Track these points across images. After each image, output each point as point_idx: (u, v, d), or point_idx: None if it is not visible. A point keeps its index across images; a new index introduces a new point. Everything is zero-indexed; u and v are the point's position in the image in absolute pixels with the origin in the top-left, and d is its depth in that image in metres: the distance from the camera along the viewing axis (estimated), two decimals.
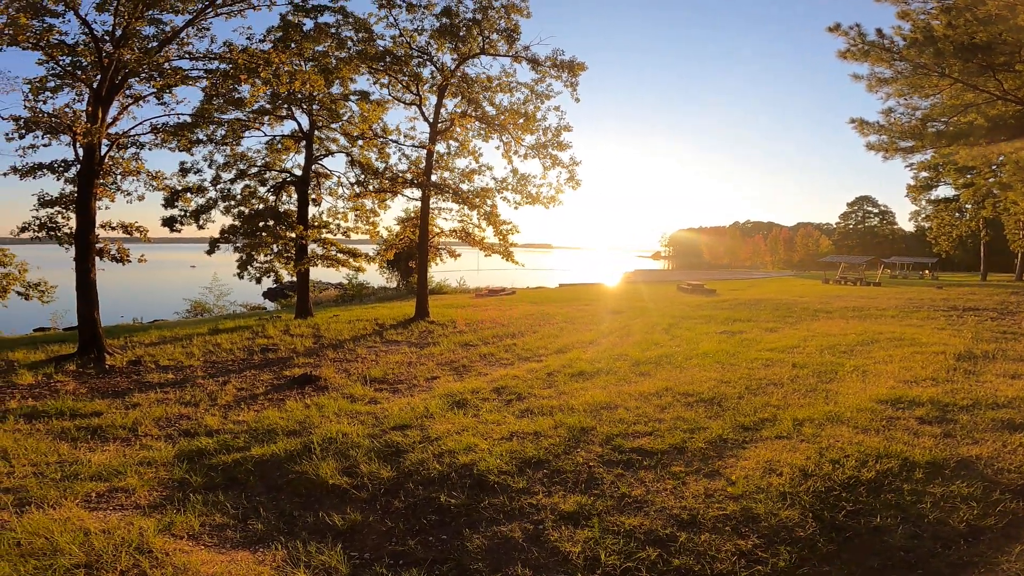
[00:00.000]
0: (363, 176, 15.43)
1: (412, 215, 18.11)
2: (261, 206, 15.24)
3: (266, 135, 15.25)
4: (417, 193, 15.12)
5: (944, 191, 39.73)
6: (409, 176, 14.93)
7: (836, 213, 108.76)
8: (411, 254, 17.04)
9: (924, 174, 38.07)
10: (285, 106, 14.69)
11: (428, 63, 14.96)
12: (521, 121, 14.98)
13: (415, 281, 17.32)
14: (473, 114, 15.25)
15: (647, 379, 6.87)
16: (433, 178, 15.24)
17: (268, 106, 14.26)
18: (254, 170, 15.26)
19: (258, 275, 14.89)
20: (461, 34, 14.28)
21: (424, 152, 15.12)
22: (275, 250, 14.87)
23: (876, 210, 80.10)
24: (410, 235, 16.21)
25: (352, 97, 15.25)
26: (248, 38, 11.90)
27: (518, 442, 4.71)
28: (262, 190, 15.47)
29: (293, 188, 15.60)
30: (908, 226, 63.69)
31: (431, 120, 15.00)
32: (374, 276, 32.06)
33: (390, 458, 4.55)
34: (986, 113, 16.56)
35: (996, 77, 15.07)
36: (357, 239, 17.37)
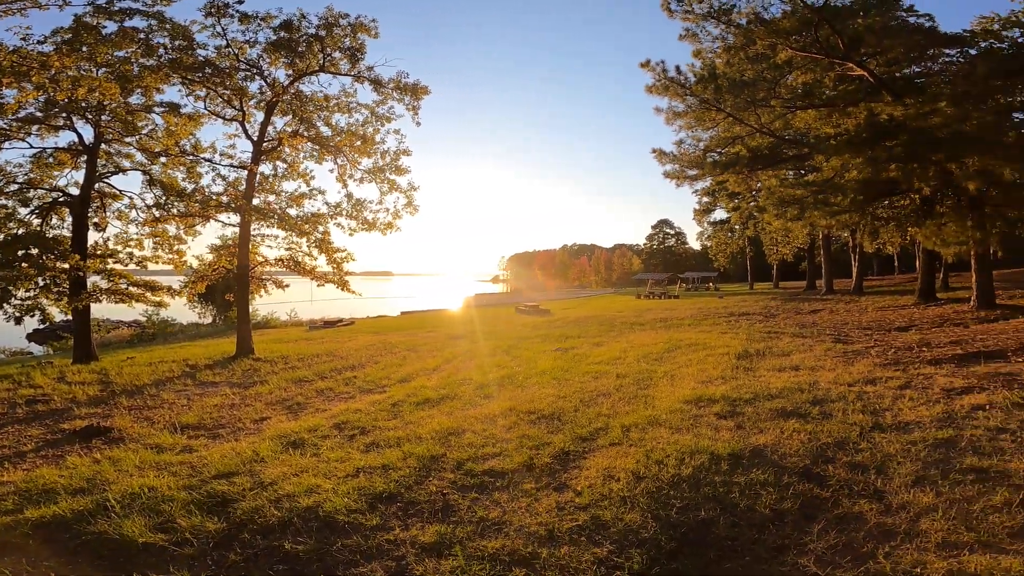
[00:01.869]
0: (165, 198, 13.40)
1: (230, 242, 16.26)
2: (21, 231, 12.35)
3: (33, 147, 12.51)
4: (236, 218, 13.59)
5: (719, 214, 48.10)
6: (225, 199, 13.34)
7: (643, 235, 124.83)
8: (229, 286, 15.16)
9: (705, 199, 45.81)
10: (63, 115, 12.22)
11: (258, 77, 13.71)
12: (359, 143, 14.47)
13: (236, 316, 15.45)
14: (306, 134, 14.32)
15: (491, 401, 7.02)
16: (256, 202, 13.87)
17: (39, 114, 11.75)
18: (13, 187, 12.36)
19: (18, 314, 11.93)
20: (300, 50, 13.36)
21: (245, 173, 13.73)
22: (40, 284, 12.08)
23: (673, 232, 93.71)
24: (226, 264, 14.46)
25: (157, 109, 13.30)
26: (23, 38, 9.69)
27: (366, 478, 4.44)
28: (23, 211, 12.58)
29: (68, 210, 12.94)
30: (696, 245, 75.60)
31: (255, 138, 13.72)
32: (183, 312, 27.97)
33: (215, 509, 3.98)
34: (748, 144, 20.31)
35: (756, 111, 18.72)
36: (158, 270, 15.00)
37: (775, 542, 3.08)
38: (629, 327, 15.75)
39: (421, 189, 15.21)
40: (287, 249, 14.31)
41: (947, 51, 18.09)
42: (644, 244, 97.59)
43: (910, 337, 10.42)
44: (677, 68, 18.01)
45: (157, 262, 14.45)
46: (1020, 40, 24.93)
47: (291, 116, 14.27)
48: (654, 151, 20.08)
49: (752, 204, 35.65)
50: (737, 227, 44.79)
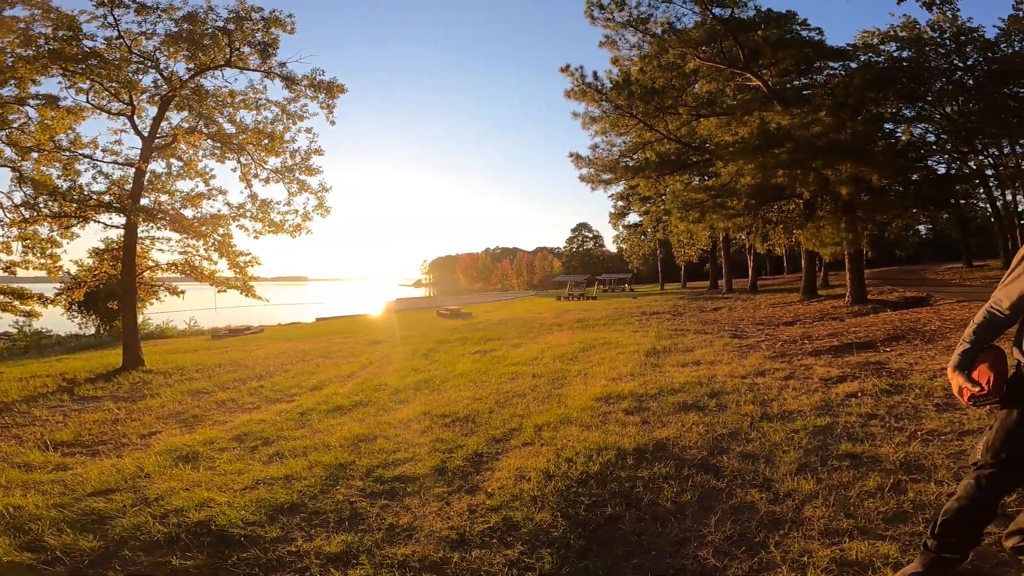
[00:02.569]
0: (36, 197, 11.91)
1: (115, 246, 14.75)
2: None
3: None
4: (121, 219, 12.35)
5: (633, 217, 50.47)
6: (108, 198, 12.08)
7: (564, 238, 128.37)
8: (114, 293, 13.77)
9: (620, 203, 47.83)
10: None
11: (152, 70, 12.52)
12: (266, 142, 13.63)
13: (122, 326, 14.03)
14: (205, 131, 13.27)
15: (406, 406, 6.88)
16: (145, 201, 12.70)
17: None
18: None
19: None
20: (205, 43, 12.32)
21: (133, 171, 12.52)
22: None
23: (591, 235, 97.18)
24: (109, 270, 13.06)
25: (32, 101, 11.78)
26: None
27: (267, 489, 4.19)
28: None
29: None
30: (613, 248, 78.78)
31: (146, 134, 12.53)
32: (62, 322, 25.06)
33: (91, 527, 3.64)
34: (657, 150, 21.41)
35: (665, 118, 19.78)
36: (28, 276, 13.30)
37: (677, 535, 3.18)
38: (548, 328, 16.09)
39: (338, 191, 14.77)
40: (182, 253, 13.20)
41: (832, 64, 20.22)
42: (564, 247, 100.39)
43: (795, 331, 11.48)
44: (595, 74, 18.60)
45: (28, 267, 12.81)
46: (895, 54, 28.34)
47: (189, 111, 13.21)
48: (571, 155, 20.62)
49: (661, 208, 37.66)
50: (648, 230, 47.17)
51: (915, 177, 26.39)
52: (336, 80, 13.74)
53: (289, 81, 13.50)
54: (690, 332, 12.40)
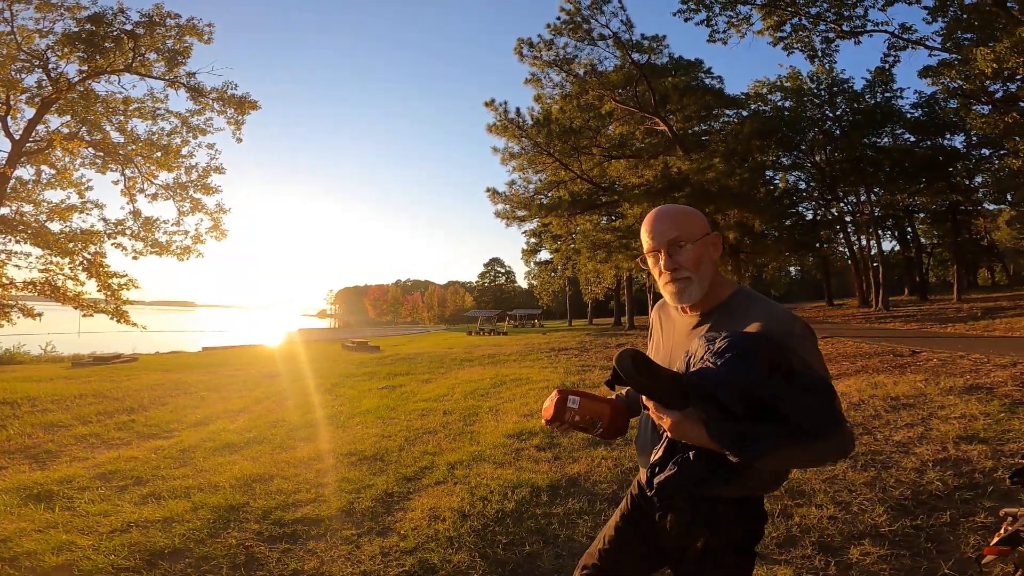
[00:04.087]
0: None
1: None
2: None
3: None
4: None
5: (544, 255, 52.10)
6: None
7: (477, 272, 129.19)
8: None
9: (532, 240, 49.21)
10: None
11: (39, 70, 11.14)
12: (158, 155, 12.53)
13: None
14: (88, 138, 11.97)
15: (308, 443, 6.41)
16: (4, 211, 11.09)
17: None
18: None
19: None
20: (106, 45, 11.16)
21: None
22: None
23: (503, 270, 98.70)
24: None
25: None
26: None
27: (141, 533, 3.69)
28: None
29: None
30: (524, 284, 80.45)
31: (17, 136, 11.05)
32: None
33: None
34: (571, 189, 22.38)
35: (579, 158, 20.82)
36: None
37: None
38: (459, 363, 15.91)
39: (239, 213, 13.77)
40: (43, 271, 11.57)
41: (728, 111, 22.53)
42: (476, 281, 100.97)
43: None
44: (517, 110, 19.43)
45: None
46: (779, 103, 31.98)
47: (72, 116, 11.87)
48: (488, 191, 21.08)
49: (571, 246, 39.27)
50: (559, 267, 48.89)
51: (788, 223, 29.81)
52: (249, 96, 13.09)
53: (196, 92, 12.64)
54: (596, 368, 12.83)
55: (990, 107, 18.09)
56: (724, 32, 17.76)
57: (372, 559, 3.42)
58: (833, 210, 33.29)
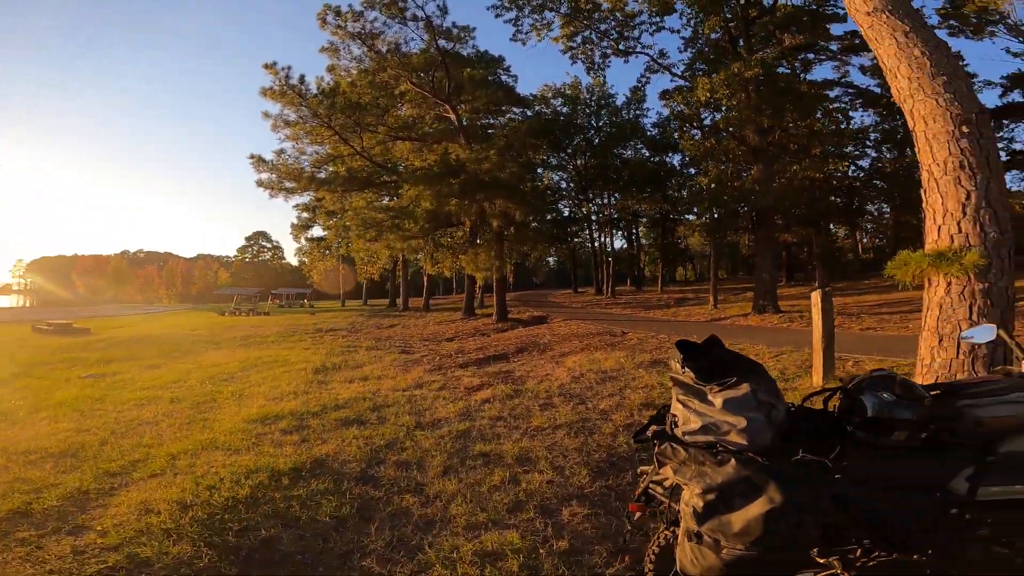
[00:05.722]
0: None
1: None
2: None
3: None
4: None
5: (317, 231, 48.56)
6: None
7: (236, 246, 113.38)
8: None
9: (305, 215, 45.38)
10: None
11: None
12: None
13: None
14: None
15: None
16: None
17: None
18: None
19: None
20: None
21: None
22: None
23: (270, 245, 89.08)
24: None
25: None
26: None
27: None
28: None
29: None
30: (294, 260, 73.91)
31: None
32: None
33: None
34: (349, 165, 21.32)
35: (362, 135, 19.90)
36: None
37: (341, 548, 3.18)
38: (202, 346, 13.99)
39: None
40: None
41: (515, 109, 24.03)
42: (236, 256, 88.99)
43: (452, 346, 13.08)
44: (301, 77, 17.79)
45: None
46: (559, 108, 35.37)
47: None
48: (252, 157, 18.68)
49: (343, 223, 37.55)
50: (333, 245, 46.25)
51: (548, 217, 33.70)
52: None
53: None
54: (362, 348, 12.69)
55: (699, 132, 23.13)
56: (526, 33, 19.14)
57: (61, 558, 2.98)
58: (583, 209, 38.78)
